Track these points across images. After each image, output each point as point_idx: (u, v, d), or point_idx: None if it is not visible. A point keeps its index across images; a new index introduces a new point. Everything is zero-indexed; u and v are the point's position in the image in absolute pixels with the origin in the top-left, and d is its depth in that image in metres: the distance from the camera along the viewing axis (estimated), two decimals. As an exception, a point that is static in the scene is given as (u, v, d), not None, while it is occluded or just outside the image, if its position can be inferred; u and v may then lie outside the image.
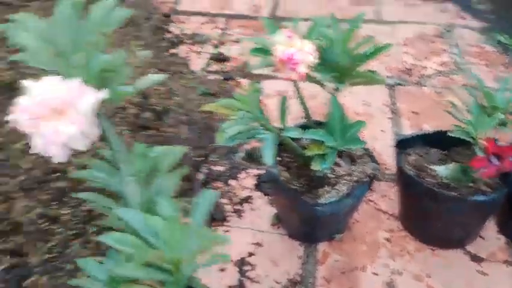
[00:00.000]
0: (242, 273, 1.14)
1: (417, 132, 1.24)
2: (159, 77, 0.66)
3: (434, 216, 1.13)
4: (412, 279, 1.11)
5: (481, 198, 1.03)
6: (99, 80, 0.58)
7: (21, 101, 0.52)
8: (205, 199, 0.70)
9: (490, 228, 1.23)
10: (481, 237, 1.21)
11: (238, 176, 1.41)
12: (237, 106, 0.93)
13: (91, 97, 0.53)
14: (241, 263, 1.17)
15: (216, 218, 1.28)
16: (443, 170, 1.13)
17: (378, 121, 1.60)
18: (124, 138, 1.42)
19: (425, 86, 1.79)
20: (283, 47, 0.85)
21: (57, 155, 0.53)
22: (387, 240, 1.21)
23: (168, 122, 1.55)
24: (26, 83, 0.53)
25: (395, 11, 2.32)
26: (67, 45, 0.61)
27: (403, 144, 1.19)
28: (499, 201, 1.06)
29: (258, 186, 1.38)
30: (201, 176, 1.38)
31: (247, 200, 1.33)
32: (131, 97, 1.56)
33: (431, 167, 1.15)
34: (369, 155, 1.17)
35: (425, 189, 1.06)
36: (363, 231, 1.23)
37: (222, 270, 1.17)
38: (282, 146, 1.09)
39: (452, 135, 0.99)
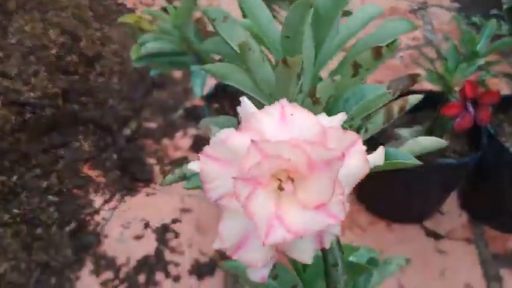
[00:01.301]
0: (162, 241, 0.95)
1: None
2: None
3: (393, 185, 0.97)
4: (361, 255, 0.96)
5: (450, 161, 0.88)
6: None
7: (228, 140, 0.26)
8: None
9: (451, 204, 1.09)
10: (440, 212, 1.07)
11: (175, 135, 1.21)
12: (165, 20, 0.73)
13: (361, 149, 0.27)
14: (162, 230, 0.98)
15: (141, 178, 1.09)
16: (406, 133, 0.98)
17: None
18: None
19: (393, 58, 1.65)
20: None
21: (260, 268, 0.28)
22: (337, 211, 1.05)
23: (98, 70, 1.33)
24: (244, 100, 0.29)
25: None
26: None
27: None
28: (468, 167, 0.91)
29: (194, 147, 1.19)
30: (126, 131, 1.18)
31: (179, 161, 1.14)
32: (55, 37, 1.33)
33: (395, 129, 0.99)
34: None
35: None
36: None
37: (138, 238, 0.97)
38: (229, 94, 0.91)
39: (425, 79, 0.83)
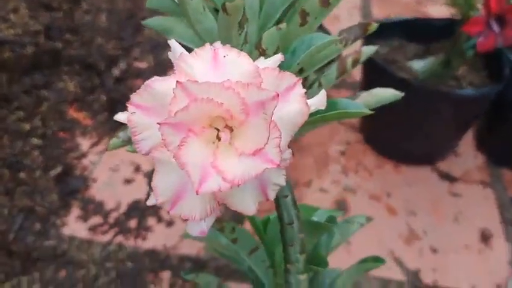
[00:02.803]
0: (153, 184, 0.89)
1: (392, 18, 0.97)
2: None
3: (402, 122, 0.89)
4: (369, 198, 0.89)
5: (468, 92, 0.79)
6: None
7: (155, 85, 0.24)
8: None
9: (466, 144, 1.00)
10: (455, 153, 0.99)
11: (166, 74, 1.12)
12: None
13: (299, 91, 0.25)
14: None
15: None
16: (419, 65, 0.88)
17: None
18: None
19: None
20: None
21: (198, 221, 0.27)
22: (342, 153, 0.97)
23: (85, 7, 1.23)
24: (173, 43, 0.28)
25: None
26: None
27: (373, 33, 0.92)
28: (487, 101, 0.82)
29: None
30: (115, 72, 1.09)
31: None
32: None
33: (406, 62, 0.90)
34: (324, 30, 0.91)
35: (396, 81, 0.81)
36: (312, 142, 0.99)
37: (128, 181, 0.91)
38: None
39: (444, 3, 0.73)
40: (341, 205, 0.87)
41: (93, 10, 1.22)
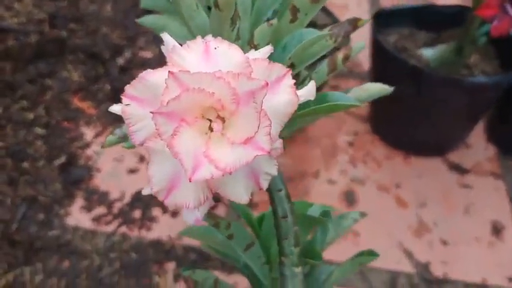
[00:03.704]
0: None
1: (401, 5, 0.94)
2: None
3: (412, 112, 0.87)
4: (377, 189, 0.87)
5: (479, 80, 0.76)
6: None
7: (149, 77, 0.25)
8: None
9: (477, 136, 0.98)
10: (465, 144, 0.97)
11: (172, 66, 1.11)
12: None
13: (289, 82, 0.26)
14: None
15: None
16: (430, 52, 0.86)
17: None
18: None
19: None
20: None
21: (192, 210, 0.28)
22: (350, 144, 0.95)
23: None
24: (165, 36, 0.28)
25: None
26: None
27: (382, 21, 0.89)
28: (499, 89, 0.80)
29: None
30: (120, 61, 1.08)
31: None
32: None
33: (416, 50, 0.88)
34: (333, 19, 0.89)
35: (407, 69, 0.79)
36: (320, 133, 0.97)
37: (133, 171, 0.90)
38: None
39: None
40: (349, 196, 0.85)
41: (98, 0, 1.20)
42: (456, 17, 0.87)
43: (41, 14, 1.10)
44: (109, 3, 1.20)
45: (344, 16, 1.24)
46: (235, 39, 0.32)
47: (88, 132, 0.96)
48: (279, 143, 0.26)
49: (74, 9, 1.15)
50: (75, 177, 0.89)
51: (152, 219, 0.83)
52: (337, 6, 1.31)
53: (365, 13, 1.30)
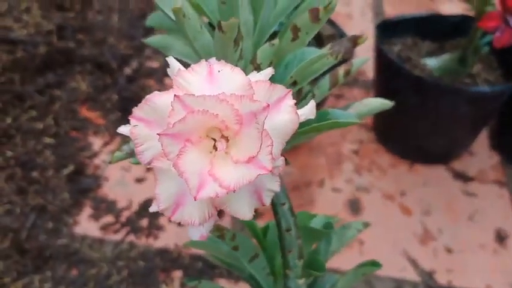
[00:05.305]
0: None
1: (405, 15, 0.96)
2: None
3: (417, 121, 0.88)
4: (382, 197, 0.88)
5: (483, 89, 0.77)
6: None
7: (155, 99, 0.26)
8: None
9: (481, 144, 0.99)
10: (469, 153, 0.97)
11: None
12: None
13: (290, 102, 0.27)
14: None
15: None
16: (433, 62, 0.87)
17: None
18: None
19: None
20: None
21: (198, 226, 0.29)
22: (355, 152, 0.96)
23: (97, 7, 1.24)
24: (171, 60, 0.29)
25: None
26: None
27: (386, 30, 0.90)
28: (502, 98, 0.81)
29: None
30: (127, 71, 1.10)
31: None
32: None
33: (420, 60, 0.89)
34: (341, 35, 0.90)
35: (412, 79, 0.80)
36: (325, 141, 0.98)
37: (140, 181, 0.91)
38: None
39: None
40: (354, 204, 0.86)
41: (105, 10, 1.22)
42: (459, 27, 0.88)
43: (49, 25, 1.12)
44: (116, 14, 1.22)
45: (348, 26, 1.25)
46: (239, 59, 0.33)
47: (96, 142, 0.98)
48: (280, 161, 0.27)
49: (82, 20, 1.17)
50: (83, 186, 0.90)
51: (160, 227, 0.84)
52: (341, 15, 1.33)
53: (368, 23, 1.31)
